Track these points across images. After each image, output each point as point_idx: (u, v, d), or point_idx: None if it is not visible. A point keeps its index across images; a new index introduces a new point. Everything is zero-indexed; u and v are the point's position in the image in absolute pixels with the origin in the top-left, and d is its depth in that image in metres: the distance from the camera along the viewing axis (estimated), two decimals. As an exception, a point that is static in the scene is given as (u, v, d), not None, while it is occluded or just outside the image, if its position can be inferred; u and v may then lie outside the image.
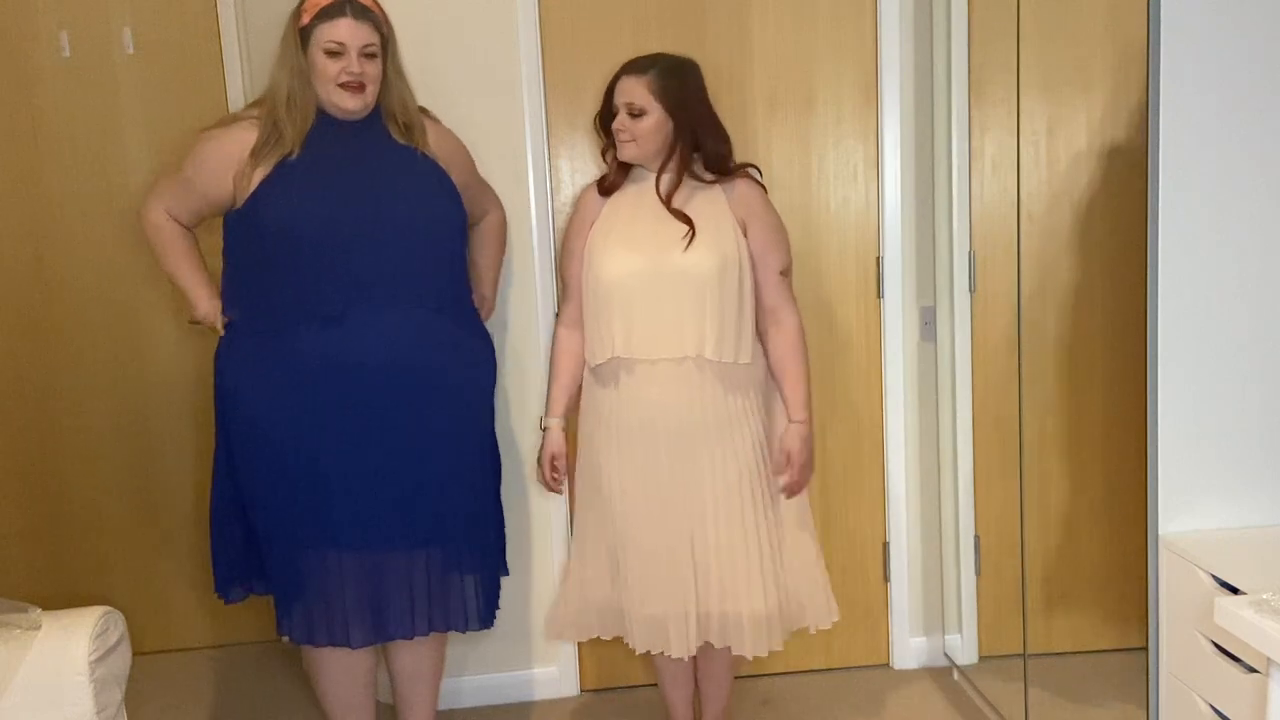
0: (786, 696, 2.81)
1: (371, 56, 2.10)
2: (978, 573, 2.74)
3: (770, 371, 2.32)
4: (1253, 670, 1.73)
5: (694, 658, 2.40)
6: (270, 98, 2.11)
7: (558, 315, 2.49)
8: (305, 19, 2.08)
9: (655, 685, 2.61)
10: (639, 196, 2.28)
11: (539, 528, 2.78)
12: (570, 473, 2.44)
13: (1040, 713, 2.39)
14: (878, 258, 2.80)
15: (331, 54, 2.06)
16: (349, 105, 2.10)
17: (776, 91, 2.72)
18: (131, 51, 2.99)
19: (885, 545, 2.90)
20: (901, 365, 2.82)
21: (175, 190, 2.18)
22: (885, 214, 2.77)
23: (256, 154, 2.07)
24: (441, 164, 2.22)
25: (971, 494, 2.72)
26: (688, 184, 2.25)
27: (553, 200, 2.71)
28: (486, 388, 2.31)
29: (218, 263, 2.19)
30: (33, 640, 1.77)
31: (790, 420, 2.30)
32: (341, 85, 2.08)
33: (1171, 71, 1.86)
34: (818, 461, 2.83)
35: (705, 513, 2.22)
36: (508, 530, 2.42)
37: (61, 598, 3.07)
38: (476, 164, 2.40)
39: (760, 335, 2.31)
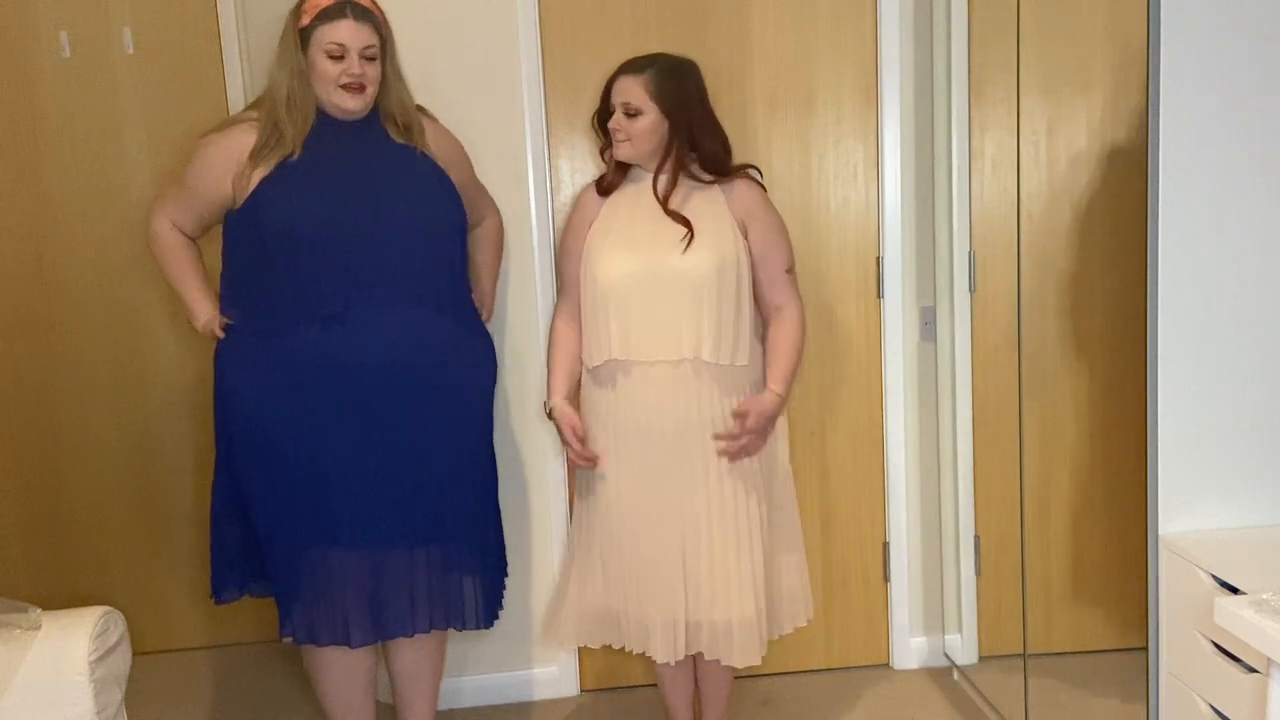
0: (786, 696, 2.81)
1: (372, 58, 2.10)
2: (978, 572, 2.74)
3: (764, 357, 2.30)
4: (1253, 670, 1.73)
5: (694, 658, 2.40)
6: (270, 98, 2.11)
7: (555, 309, 2.48)
8: (305, 20, 2.08)
9: (655, 685, 2.61)
10: (638, 197, 2.27)
11: (539, 528, 2.78)
12: (570, 473, 2.43)
13: (1040, 713, 2.39)
14: (878, 258, 2.80)
15: (332, 56, 2.07)
16: (350, 106, 2.10)
17: (776, 91, 2.72)
18: (131, 51, 3.00)
19: (885, 545, 2.90)
20: (901, 365, 2.82)
21: (178, 199, 2.19)
22: (885, 214, 2.77)
23: (256, 155, 2.07)
24: (440, 163, 2.22)
25: (971, 494, 2.72)
26: (686, 184, 2.25)
27: (552, 200, 2.71)
28: (486, 387, 2.30)
29: (218, 263, 2.19)
30: (33, 640, 1.77)
31: (767, 387, 2.24)
32: (342, 86, 2.08)
33: (1171, 71, 1.86)
34: (818, 461, 2.84)
35: (700, 514, 2.21)
36: (507, 530, 2.42)
37: (61, 597, 3.08)
38: (476, 164, 2.40)
39: (764, 334, 2.31)
